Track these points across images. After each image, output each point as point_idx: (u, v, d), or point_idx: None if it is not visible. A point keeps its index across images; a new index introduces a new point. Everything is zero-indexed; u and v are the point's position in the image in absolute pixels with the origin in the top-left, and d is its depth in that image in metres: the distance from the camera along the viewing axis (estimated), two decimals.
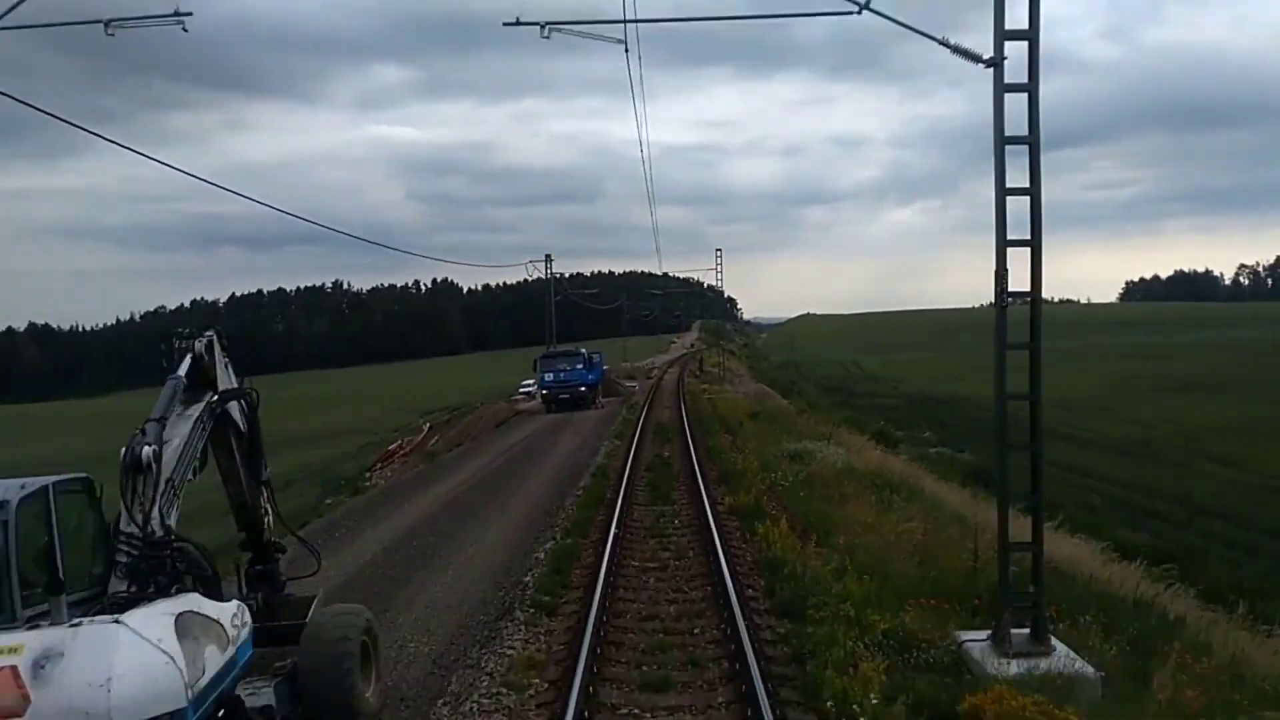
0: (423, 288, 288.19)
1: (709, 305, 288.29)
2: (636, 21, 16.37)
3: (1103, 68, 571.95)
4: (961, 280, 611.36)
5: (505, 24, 12.95)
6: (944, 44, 11.10)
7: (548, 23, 12.72)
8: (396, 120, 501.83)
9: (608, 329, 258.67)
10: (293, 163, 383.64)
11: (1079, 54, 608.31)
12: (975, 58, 10.96)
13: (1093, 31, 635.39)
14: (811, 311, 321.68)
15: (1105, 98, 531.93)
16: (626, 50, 16.28)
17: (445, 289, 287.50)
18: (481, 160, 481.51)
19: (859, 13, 11.29)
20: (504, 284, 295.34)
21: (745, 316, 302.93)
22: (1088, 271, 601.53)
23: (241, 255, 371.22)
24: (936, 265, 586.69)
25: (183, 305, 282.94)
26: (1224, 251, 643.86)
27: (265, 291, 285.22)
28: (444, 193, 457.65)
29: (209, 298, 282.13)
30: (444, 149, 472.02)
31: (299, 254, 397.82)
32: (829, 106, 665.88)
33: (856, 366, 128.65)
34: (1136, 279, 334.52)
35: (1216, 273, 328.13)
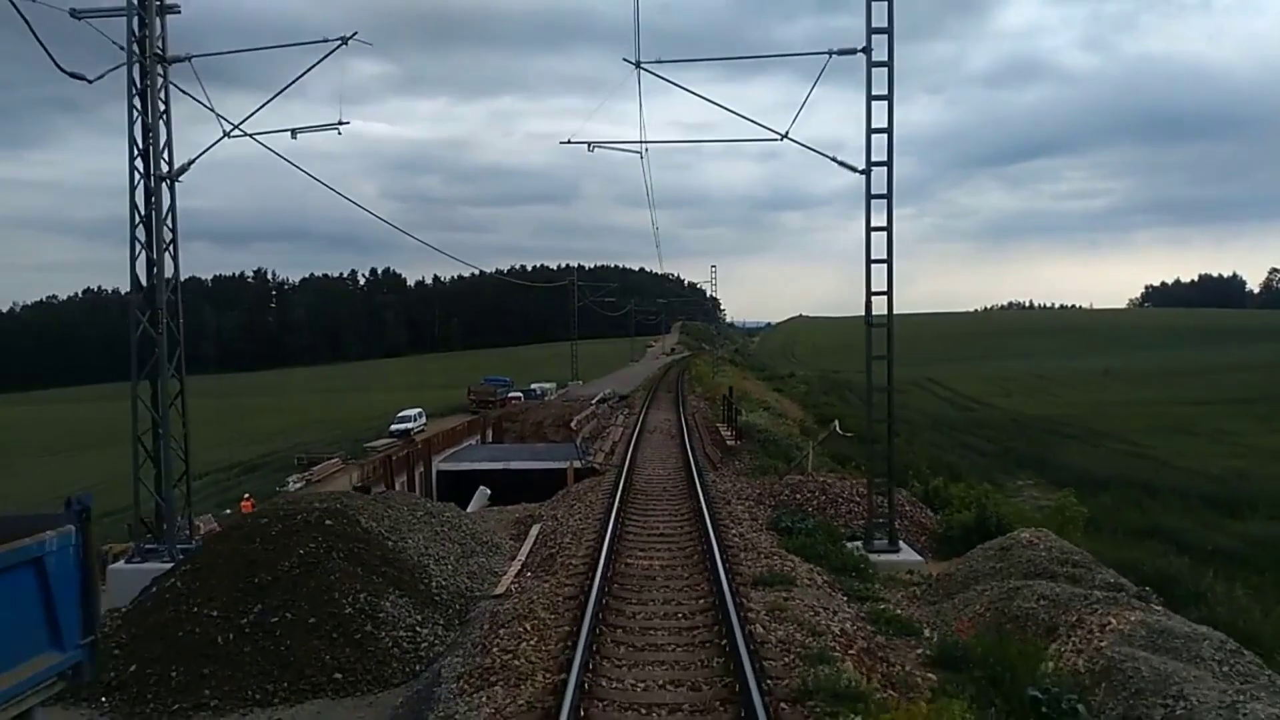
0: (361, 279, 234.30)
1: (688, 302, 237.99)
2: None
3: (1081, 77, 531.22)
4: (943, 284, 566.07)
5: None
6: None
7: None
8: (372, 116, 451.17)
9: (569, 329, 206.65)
10: (265, 157, 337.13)
11: (1058, 63, 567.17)
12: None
13: (1072, 40, 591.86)
14: (804, 314, 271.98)
15: (1082, 107, 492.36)
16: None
17: (389, 280, 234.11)
18: (457, 158, 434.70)
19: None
20: (459, 276, 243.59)
21: (728, 319, 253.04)
22: (1074, 279, 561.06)
23: (214, 251, 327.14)
24: (914, 271, 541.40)
25: (75, 295, 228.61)
26: (1190, 263, 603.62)
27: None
28: (419, 191, 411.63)
29: (107, 287, 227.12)
30: (420, 146, 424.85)
31: (271, 250, 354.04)
32: (806, 111, 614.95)
33: (943, 388, 77.24)
34: (1157, 283, 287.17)
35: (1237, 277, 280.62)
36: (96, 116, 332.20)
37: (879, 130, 16.12)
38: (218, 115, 15.91)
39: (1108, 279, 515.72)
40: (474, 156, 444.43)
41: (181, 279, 17.86)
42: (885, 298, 16.39)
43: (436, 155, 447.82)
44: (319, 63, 16.09)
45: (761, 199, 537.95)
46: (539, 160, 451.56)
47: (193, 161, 16.13)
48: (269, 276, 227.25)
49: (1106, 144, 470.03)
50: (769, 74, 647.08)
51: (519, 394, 67.30)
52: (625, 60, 16.28)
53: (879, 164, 16.06)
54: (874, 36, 16.06)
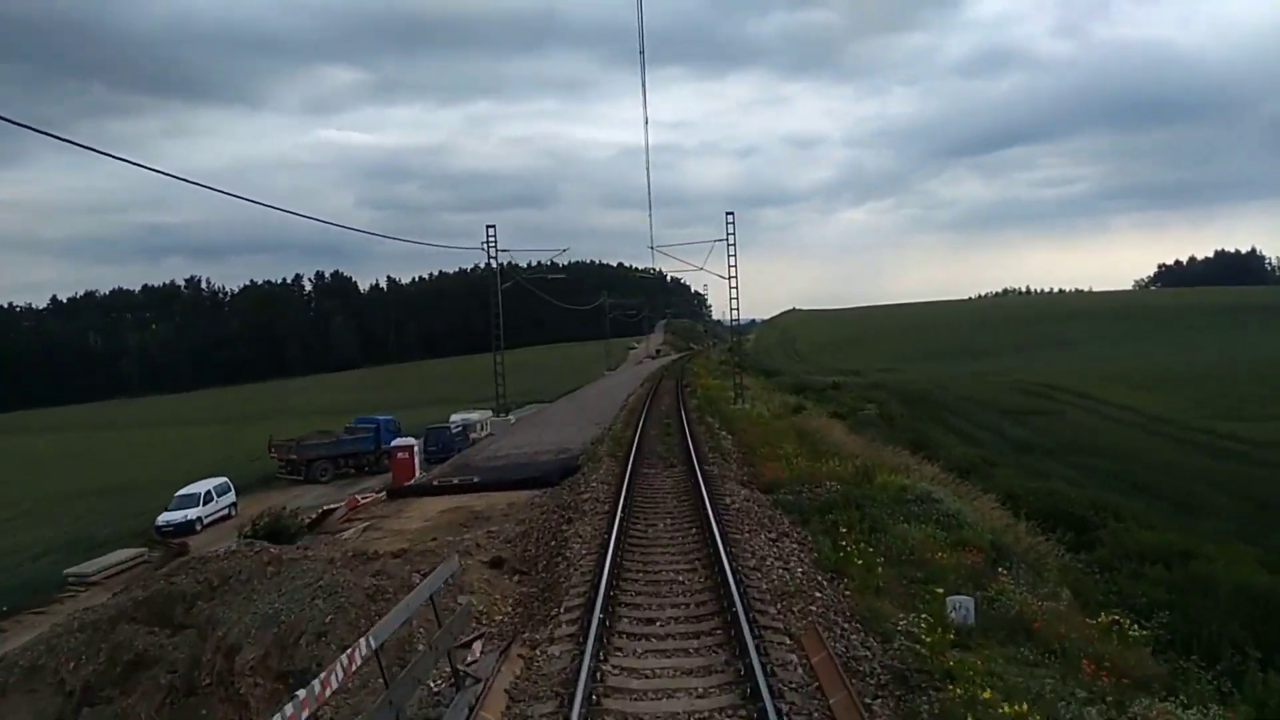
0: (306, 284, 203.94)
1: (673, 294, 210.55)
2: None
3: (1054, 64, 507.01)
4: (927, 275, 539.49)
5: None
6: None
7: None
8: (346, 124, 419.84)
9: (533, 331, 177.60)
10: (239, 170, 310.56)
11: (1031, 50, 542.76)
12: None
13: (1045, 28, 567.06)
14: (797, 307, 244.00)
15: (1056, 94, 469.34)
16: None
17: (339, 285, 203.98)
18: (434, 165, 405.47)
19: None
20: (418, 278, 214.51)
21: (715, 315, 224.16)
22: (1057, 265, 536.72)
23: (189, 265, 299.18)
24: (895, 262, 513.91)
25: None
26: (1166, 246, 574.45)
27: (99, 294, 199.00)
28: (396, 199, 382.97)
29: (18, 303, 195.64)
30: (396, 153, 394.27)
31: (249, 263, 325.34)
32: (784, 106, 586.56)
33: (1101, 401, 48.44)
34: (1171, 261, 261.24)
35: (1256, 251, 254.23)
36: (69, 135, 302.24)
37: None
38: None
39: (1085, 263, 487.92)
40: (451, 162, 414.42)
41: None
42: None
43: (413, 162, 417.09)
44: None
45: (741, 196, 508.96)
46: (517, 164, 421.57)
47: None
48: (204, 285, 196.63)
49: (1080, 130, 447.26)
50: (746, 70, 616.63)
51: (410, 442, 38.40)
52: None
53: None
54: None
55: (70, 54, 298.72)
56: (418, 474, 36.75)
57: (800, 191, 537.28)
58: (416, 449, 38.16)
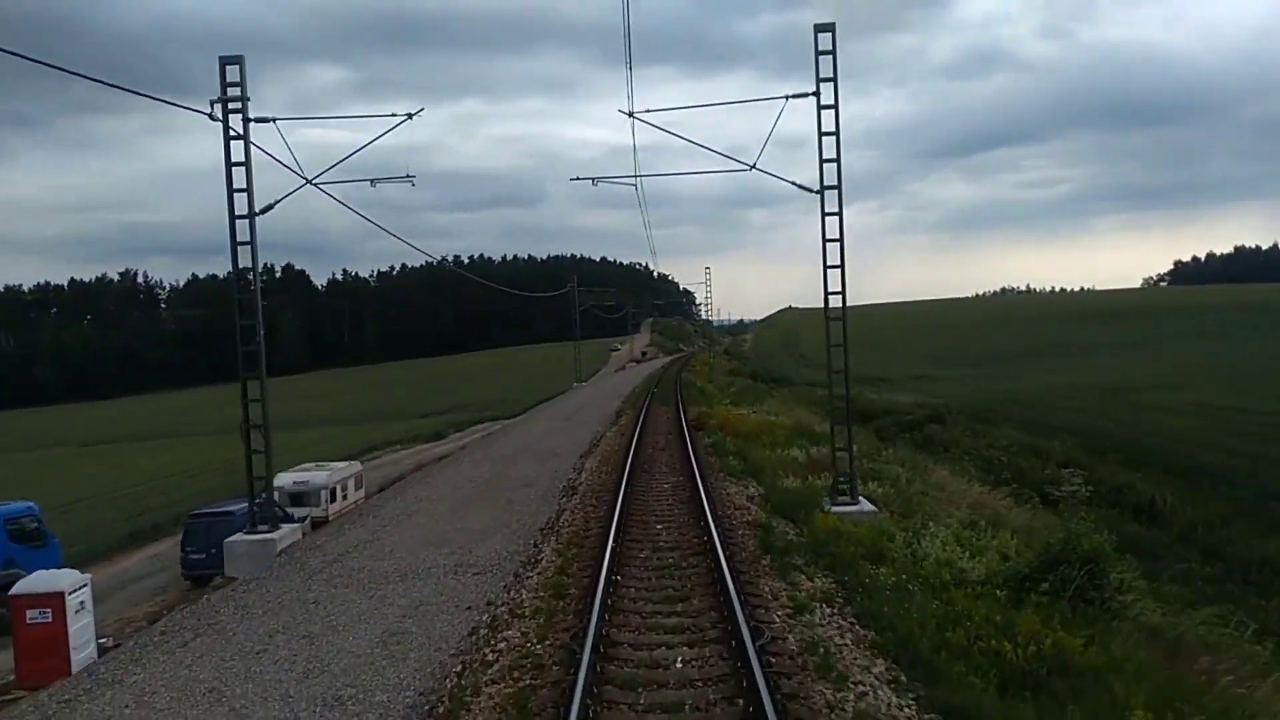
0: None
1: (657, 292, 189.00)
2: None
3: (1040, 66, 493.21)
4: (916, 275, 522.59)
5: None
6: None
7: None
8: (330, 123, 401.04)
9: (504, 332, 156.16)
10: (223, 168, 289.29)
11: (1017, 52, 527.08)
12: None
13: (1031, 29, 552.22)
14: (793, 305, 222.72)
15: (1041, 96, 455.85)
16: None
17: (291, 279, 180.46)
18: (421, 164, 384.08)
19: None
20: (376, 272, 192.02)
21: (705, 315, 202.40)
22: (1046, 266, 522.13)
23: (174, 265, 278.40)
24: (884, 262, 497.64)
25: None
26: (1153, 246, 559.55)
27: (27, 288, 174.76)
28: (381, 198, 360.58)
29: None
30: (381, 152, 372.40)
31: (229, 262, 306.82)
32: (772, 107, 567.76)
33: None
34: (1188, 258, 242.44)
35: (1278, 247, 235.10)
36: (51, 134, 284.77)
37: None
38: None
39: (1084, 262, 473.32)
40: (437, 161, 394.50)
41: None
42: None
43: (398, 161, 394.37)
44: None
45: (729, 197, 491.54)
46: (502, 163, 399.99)
47: None
48: (140, 279, 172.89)
49: (1065, 132, 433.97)
50: (734, 71, 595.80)
51: (62, 584, 15.90)
52: None
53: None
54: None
55: (51, 51, 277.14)
56: (77, 656, 14.57)
57: (788, 193, 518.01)
58: (79, 602, 15.59)
